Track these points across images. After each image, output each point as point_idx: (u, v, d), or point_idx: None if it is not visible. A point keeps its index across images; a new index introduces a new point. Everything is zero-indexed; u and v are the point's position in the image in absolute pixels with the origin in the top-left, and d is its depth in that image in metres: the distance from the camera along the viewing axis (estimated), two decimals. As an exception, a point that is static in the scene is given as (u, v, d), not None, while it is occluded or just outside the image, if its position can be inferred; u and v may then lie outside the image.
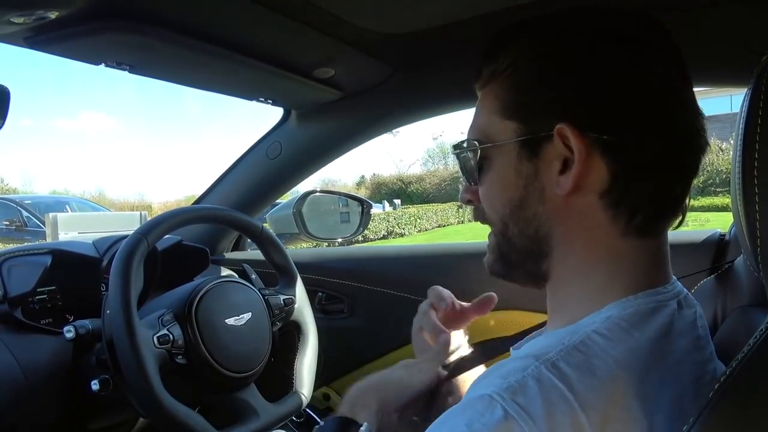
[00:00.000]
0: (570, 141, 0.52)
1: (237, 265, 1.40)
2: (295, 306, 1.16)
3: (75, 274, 1.10)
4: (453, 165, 23.69)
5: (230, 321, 0.99)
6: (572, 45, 0.55)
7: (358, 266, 1.19)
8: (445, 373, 0.79)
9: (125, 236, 0.97)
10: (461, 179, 0.67)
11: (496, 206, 0.60)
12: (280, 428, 1.08)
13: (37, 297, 1.05)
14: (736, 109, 0.55)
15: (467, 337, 0.88)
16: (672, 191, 0.55)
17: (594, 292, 0.56)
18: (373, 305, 1.19)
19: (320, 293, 1.47)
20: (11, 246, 1.18)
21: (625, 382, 0.47)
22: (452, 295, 0.87)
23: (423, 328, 0.84)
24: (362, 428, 0.63)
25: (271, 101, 1.25)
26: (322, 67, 1.09)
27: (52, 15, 0.73)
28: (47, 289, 1.07)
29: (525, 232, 0.58)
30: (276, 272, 1.19)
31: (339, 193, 1.50)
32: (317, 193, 1.40)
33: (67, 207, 10.01)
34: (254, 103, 1.24)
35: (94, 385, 0.90)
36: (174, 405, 0.87)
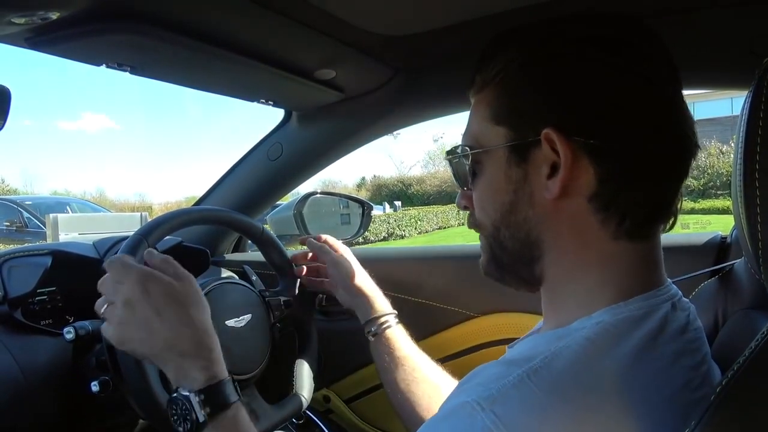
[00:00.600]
0: (557, 145, 0.53)
1: (237, 267, 1.40)
2: (296, 307, 1.15)
3: (75, 275, 1.09)
4: (454, 167, 23.61)
5: (230, 322, 0.99)
6: (558, 51, 0.56)
7: None
8: None
9: (126, 237, 0.96)
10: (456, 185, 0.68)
11: (487, 211, 0.61)
12: (280, 430, 1.08)
13: (37, 298, 1.05)
14: (737, 111, 0.55)
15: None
16: (662, 194, 0.55)
17: (586, 295, 0.56)
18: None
19: (321, 295, 1.46)
20: (12, 247, 1.18)
21: (609, 390, 0.47)
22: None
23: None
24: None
25: (272, 102, 1.25)
26: (323, 69, 1.09)
27: (53, 16, 0.73)
28: (47, 290, 1.07)
29: (516, 236, 0.59)
30: (276, 273, 1.19)
31: (339, 195, 1.50)
32: (318, 195, 1.40)
33: (68, 208, 10.02)
34: (255, 104, 1.24)
35: (94, 387, 0.90)
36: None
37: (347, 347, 1.38)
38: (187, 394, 0.72)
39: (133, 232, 0.96)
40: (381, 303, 1.09)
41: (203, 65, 1.00)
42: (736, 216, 0.56)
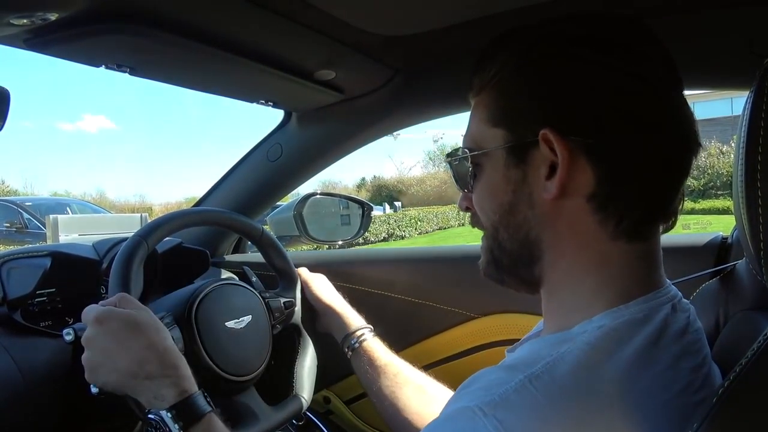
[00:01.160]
0: (554, 146, 0.53)
1: (237, 268, 1.40)
2: (296, 309, 1.15)
3: (75, 277, 1.09)
4: (454, 167, 23.66)
5: (230, 324, 0.99)
6: (554, 52, 0.56)
7: (358, 269, 1.19)
8: None
9: (125, 238, 0.96)
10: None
11: (487, 212, 0.61)
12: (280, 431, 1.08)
13: (36, 299, 1.05)
14: (737, 111, 0.55)
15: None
16: (660, 194, 0.55)
17: (586, 298, 0.56)
18: (374, 308, 1.18)
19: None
20: (12, 248, 1.18)
21: (610, 394, 0.47)
22: None
23: None
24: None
25: (271, 103, 1.25)
26: (323, 70, 1.09)
27: (52, 17, 0.73)
28: (47, 291, 1.06)
29: (515, 236, 0.59)
30: (276, 275, 1.19)
31: (340, 196, 1.50)
32: (318, 196, 1.40)
33: (68, 209, 10.03)
34: (255, 105, 1.24)
35: (93, 388, 0.89)
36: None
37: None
38: (159, 413, 0.75)
39: (132, 234, 0.95)
40: (353, 319, 1.13)
41: (203, 66, 1.00)
42: (737, 216, 0.55)
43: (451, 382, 1.01)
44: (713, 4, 0.85)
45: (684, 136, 0.55)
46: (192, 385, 0.79)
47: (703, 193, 15.89)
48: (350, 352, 1.09)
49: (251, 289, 1.09)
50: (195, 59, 0.95)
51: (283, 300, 1.13)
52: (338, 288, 1.22)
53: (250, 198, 1.45)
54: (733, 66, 0.96)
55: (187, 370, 0.80)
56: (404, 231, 14.74)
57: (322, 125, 1.33)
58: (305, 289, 1.18)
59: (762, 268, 0.48)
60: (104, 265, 1.11)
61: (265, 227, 1.19)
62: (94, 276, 1.11)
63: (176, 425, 0.74)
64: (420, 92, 1.22)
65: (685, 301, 0.59)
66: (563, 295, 0.58)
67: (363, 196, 19.43)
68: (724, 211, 12.31)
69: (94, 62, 0.91)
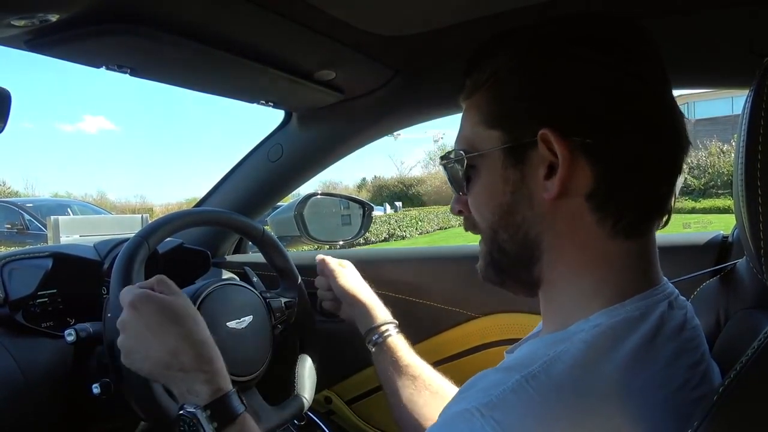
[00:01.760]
0: (553, 146, 0.53)
1: (238, 268, 1.40)
2: (296, 309, 1.15)
3: (76, 277, 1.09)
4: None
5: (231, 324, 0.99)
6: (550, 52, 0.56)
7: (359, 269, 1.19)
8: None
9: (126, 239, 0.96)
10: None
11: (485, 214, 0.61)
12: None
13: (38, 300, 1.05)
14: (738, 111, 0.55)
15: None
16: (657, 191, 0.56)
17: (585, 297, 0.56)
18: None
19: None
20: (13, 249, 1.18)
21: (608, 392, 0.48)
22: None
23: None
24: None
25: (272, 104, 1.25)
26: (323, 70, 1.09)
27: (53, 18, 0.73)
28: (48, 292, 1.07)
29: (515, 237, 0.59)
30: (277, 275, 1.19)
31: (340, 196, 1.50)
32: (318, 196, 1.40)
33: (69, 210, 10.03)
34: (255, 105, 1.24)
35: (95, 389, 0.89)
36: (175, 408, 0.86)
37: (348, 348, 1.38)
38: (194, 410, 0.73)
39: (134, 234, 0.96)
40: (381, 312, 1.10)
41: (203, 67, 1.00)
42: (737, 215, 0.55)
43: (452, 381, 1.02)
44: (713, 4, 0.85)
45: (677, 134, 0.56)
46: (227, 383, 0.77)
47: (703, 193, 15.87)
48: (373, 347, 1.06)
49: (252, 289, 1.09)
50: (195, 60, 0.95)
51: (284, 300, 1.13)
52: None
53: (251, 198, 1.45)
54: (733, 65, 0.96)
55: (222, 365, 0.78)
56: (405, 231, 14.73)
57: (323, 125, 1.33)
58: (331, 278, 1.15)
59: (762, 267, 0.48)
60: (105, 266, 1.11)
61: (265, 227, 1.19)
62: (96, 277, 1.12)
63: (211, 426, 0.72)
64: (420, 92, 1.22)
65: (682, 298, 0.59)
66: (562, 295, 0.58)
67: (364, 196, 19.44)
68: (725, 210, 12.30)
69: (95, 63, 0.91)
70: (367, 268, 1.19)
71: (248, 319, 1.02)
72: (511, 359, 0.57)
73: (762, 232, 0.47)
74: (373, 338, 1.06)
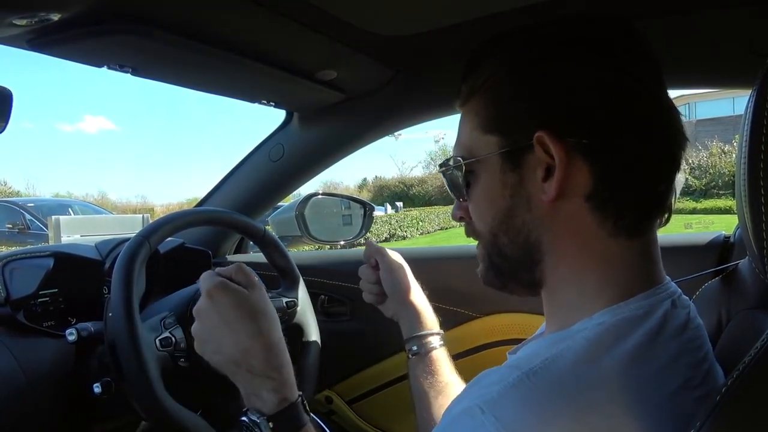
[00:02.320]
0: (550, 148, 0.53)
1: (239, 268, 1.39)
2: (298, 309, 1.15)
3: (77, 277, 1.09)
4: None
5: (232, 324, 0.99)
6: (543, 54, 0.56)
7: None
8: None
9: (127, 239, 0.96)
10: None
11: (485, 219, 0.61)
12: None
13: (39, 300, 1.05)
14: (739, 111, 0.55)
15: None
16: (656, 189, 0.56)
17: (588, 297, 0.56)
18: (376, 308, 1.18)
19: (322, 296, 1.46)
20: (14, 249, 1.18)
21: (609, 389, 0.47)
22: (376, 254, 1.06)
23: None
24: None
25: (273, 103, 1.25)
26: (324, 69, 1.09)
27: (55, 17, 0.73)
28: (49, 291, 1.07)
29: (515, 241, 0.59)
30: (278, 275, 1.19)
31: (341, 196, 1.49)
32: (319, 196, 1.39)
33: (70, 210, 10.03)
34: (257, 105, 1.24)
35: (96, 388, 0.89)
36: (176, 408, 0.86)
37: (349, 348, 1.38)
38: (257, 419, 0.71)
39: (135, 234, 0.96)
40: (430, 319, 1.00)
41: (204, 66, 1.00)
42: (740, 215, 0.55)
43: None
44: (713, 4, 0.85)
45: (675, 131, 0.56)
46: (293, 393, 0.74)
47: (705, 193, 15.85)
48: (413, 355, 0.97)
49: (253, 289, 1.08)
50: (197, 59, 0.95)
51: (285, 300, 1.13)
52: (339, 288, 1.22)
53: (252, 198, 1.45)
54: (734, 65, 0.96)
55: (290, 372, 0.75)
56: (406, 231, 14.73)
57: (324, 125, 1.33)
58: (384, 273, 1.03)
59: (765, 267, 0.48)
60: (107, 266, 1.11)
61: (267, 227, 1.19)
62: (97, 276, 1.12)
63: None
64: (421, 92, 1.22)
65: (685, 297, 0.59)
66: (565, 295, 0.58)
67: (365, 196, 19.43)
68: (726, 211, 12.29)
69: (97, 62, 0.91)
70: None
71: (249, 318, 1.02)
72: (513, 359, 0.57)
73: (765, 233, 0.47)
74: (415, 347, 0.97)
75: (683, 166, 0.58)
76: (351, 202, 1.46)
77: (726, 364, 0.56)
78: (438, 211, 17.26)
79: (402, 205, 20.63)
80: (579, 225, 0.55)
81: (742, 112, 0.52)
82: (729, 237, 1.11)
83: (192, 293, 0.97)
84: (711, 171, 16.38)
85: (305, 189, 1.50)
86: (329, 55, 1.03)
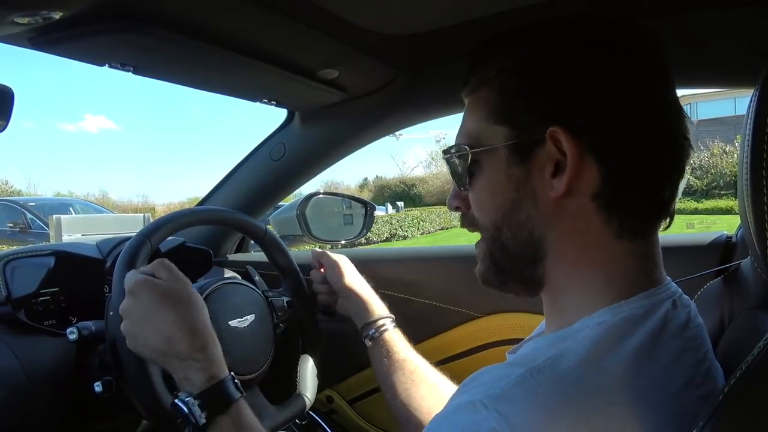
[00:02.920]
0: (562, 144, 0.53)
1: (240, 267, 1.40)
2: (299, 308, 1.15)
3: (78, 276, 1.09)
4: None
5: (233, 323, 0.99)
6: (562, 51, 0.56)
7: (361, 268, 1.19)
8: None
9: (129, 238, 0.96)
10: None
11: (487, 211, 0.61)
12: (283, 431, 1.08)
13: (40, 298, 1.05)
14: (741, 111, 0.55)
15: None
16: (661, 192, 0.56)
17: (588, 296, 0.56)
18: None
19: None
20: (15, 248, 1.18)
21: (612, 389, 0.48)
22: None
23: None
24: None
25: (274, 103, 1.25)
26: (325, 69, 1.09)
27: (56, 15, 0.73)
28: (50, 290, 1.07)
29: (518, 236, 0.58)
30: (279, 274, 1.19)
31: (342, 195, 1.49)
32: (320, 195, 1.39)
33: (71, 209, 10.04)
34: (258, 104, 1.24)
35: (97, 387, 0.89)
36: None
37: (350, 348, 1.38)
38: (186, 398, 0.74)
39: (136, 233, 0.96)
40: (377, 307, 1.09)
41: (206, 65, 1.00)
42: (742, 215, 0.55)
43: (454, 381, 1.01)
44: (715, 4, 0.85)
45: (680, 134, 0.56)
46: (221, 370, 0.77)
47: (706, 193, 15.86)
48: (369, 342, 1.06)
49: (254, 288, 1.09)
50: (198, 58, 0.95)
51: (286, 299, 1.13)
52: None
53: (253, 197, 1.45)
54: (736, 65, 0.96)
55: (217, 352, 0.79)
56: (407, 231, 14.74)
57: (325, 124, 1.33)
58: (328, 272, 1.14)
59: (767, 267, 0.48)
60: (108, 264, 1.11)
61: (268, 227, 1.19)
62: (98, 275, 1.12)
63: (202, 414, 0.73)
64: (423, 92, 1.22)
65: (686, 297, 0.59)
66: (566, 295, 0.58)
67: (365, 196, 19.43)
68: (728, 211, 12.29)
69: (98, 61, 0.91)
70: (369, 267, 1.19)
71: (250, 317, 1.02)
72: (514, 357, 0.56)
73: (767, 232, 0.47)
74: (370, 332, 1.06)
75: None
76: (352, 201, 1.46)
77: (728, 363, 0.56)
78: (439, 210, 17.26)
79: (403, 205, 20.63)
80: (584, 223, 0.55)
81: (744, 113, 0.52)
82: (731, 237, 1.10)
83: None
84: (712, 171, 16.38)
85: (306, 188, 1.50)
86: (331, 55, 1.03)
